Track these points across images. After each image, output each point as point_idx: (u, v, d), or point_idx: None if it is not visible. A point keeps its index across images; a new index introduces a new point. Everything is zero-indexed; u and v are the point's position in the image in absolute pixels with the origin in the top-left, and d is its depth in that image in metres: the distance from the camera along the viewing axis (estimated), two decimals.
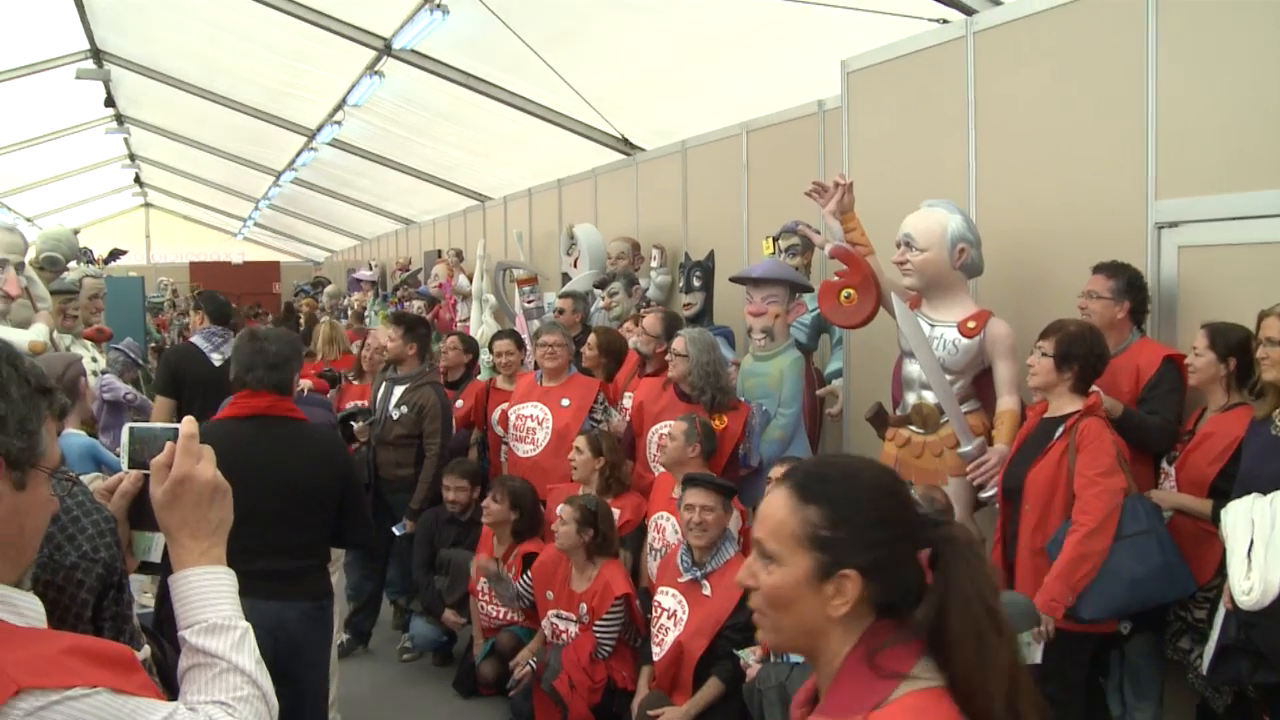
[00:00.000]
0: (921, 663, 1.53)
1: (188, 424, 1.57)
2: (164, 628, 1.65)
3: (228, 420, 3.58)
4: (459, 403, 6.51)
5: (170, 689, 1.52)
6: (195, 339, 6.42)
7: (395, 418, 5.83)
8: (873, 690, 1.50)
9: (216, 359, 6.02)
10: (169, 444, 1.54)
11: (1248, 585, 3.16)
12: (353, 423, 5.90)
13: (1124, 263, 4.04)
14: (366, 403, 6.36)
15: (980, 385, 4.40)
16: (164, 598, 1.44)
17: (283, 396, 3.61)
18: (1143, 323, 4.10)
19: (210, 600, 1.51)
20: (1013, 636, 1.56)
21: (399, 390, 5.93)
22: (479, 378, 7.09)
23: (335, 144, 13.35)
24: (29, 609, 1.42)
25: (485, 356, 7.39)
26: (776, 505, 1.61)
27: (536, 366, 6.03)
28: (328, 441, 3.90)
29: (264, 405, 3.55)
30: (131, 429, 1.63)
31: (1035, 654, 3.58)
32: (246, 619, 1.56)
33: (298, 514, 3.54)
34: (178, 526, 1.54)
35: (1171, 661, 3.87)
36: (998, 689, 1.48)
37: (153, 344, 13.29)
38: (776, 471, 4.36)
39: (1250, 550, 3.17)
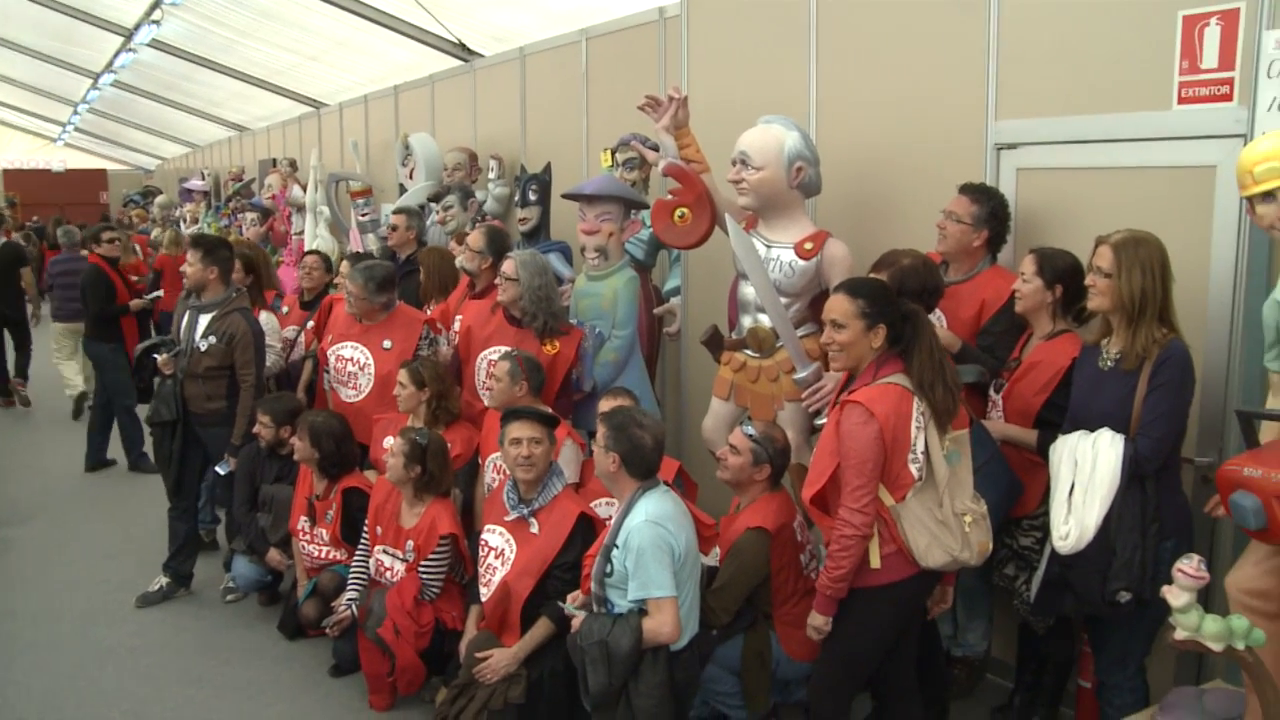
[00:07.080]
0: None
1: None
2: None
3: None
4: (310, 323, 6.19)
5: None
6: None
7: (203, 349, 5.33)
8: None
9: None
10: None
11: (1065, 530, 3.12)
12: (154, 355, 5.44)
13: (992, 188, 3.92)
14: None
15: (817, 308, 4.25)
16: None
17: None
18: (998, 251, 4.00)
19: None
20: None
21: (204, 319, 5.40)
22: None
23: (156, 45, 12.59)
24: None
25: None
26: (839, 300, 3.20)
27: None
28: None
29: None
30: None
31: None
32: None
33: None
34: None
35: (997, 586, 3.88)
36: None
37: None
38: (605, 404, 4.15)
39: (1071, 493, 3.13)
